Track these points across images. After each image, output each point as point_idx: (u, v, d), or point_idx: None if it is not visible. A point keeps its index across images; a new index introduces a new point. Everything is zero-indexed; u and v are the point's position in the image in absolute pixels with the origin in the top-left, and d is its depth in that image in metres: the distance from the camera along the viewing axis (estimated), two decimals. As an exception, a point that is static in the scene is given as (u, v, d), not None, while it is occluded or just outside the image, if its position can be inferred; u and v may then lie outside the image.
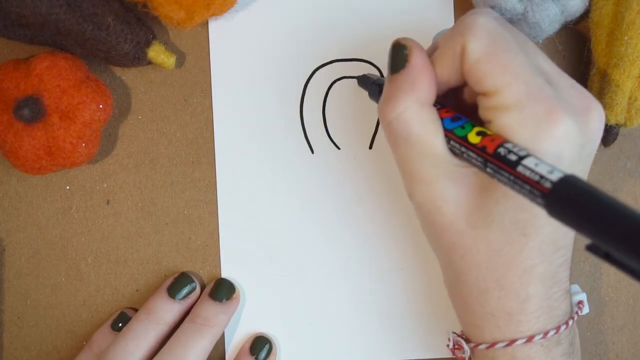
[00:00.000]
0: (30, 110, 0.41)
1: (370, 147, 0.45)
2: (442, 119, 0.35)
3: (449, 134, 0.34)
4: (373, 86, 0.40)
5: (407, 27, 0.45)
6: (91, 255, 0.46)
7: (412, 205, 0.37)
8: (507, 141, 0.32)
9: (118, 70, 0.46)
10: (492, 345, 0.36)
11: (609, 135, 0.43)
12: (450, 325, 0.45)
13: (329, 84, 0.45)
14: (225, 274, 0.46)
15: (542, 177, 0.28)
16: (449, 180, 0.34)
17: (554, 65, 0.35)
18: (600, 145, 0.44)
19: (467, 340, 0.38)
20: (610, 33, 0.41)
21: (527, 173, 0.29)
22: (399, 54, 0.36)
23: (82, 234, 0.46)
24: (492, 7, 0.40)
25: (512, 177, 0.30)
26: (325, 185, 0.45)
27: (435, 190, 0.35)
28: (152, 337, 0.43)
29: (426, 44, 0.44)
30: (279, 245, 0.46)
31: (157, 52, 0.43)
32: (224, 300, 0.44)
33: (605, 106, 0.41)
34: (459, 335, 0.39)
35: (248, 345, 0.45)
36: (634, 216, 0.25)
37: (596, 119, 0.34)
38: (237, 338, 0.46)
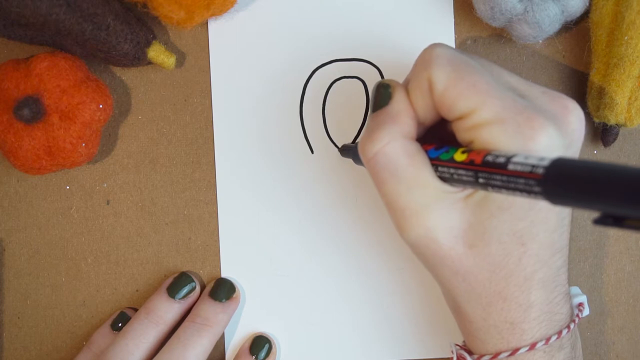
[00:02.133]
0: (30, 110, 0.41)
1: (370, 147, 0.45)
2: (425, 150, 0.35)
3: (435, 162, 0.34)
4: (357, 151, 0.39)
5: (407, 27, 0.45)
6: (91, 255, 0.46)
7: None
8: (492, 150, 0.32)
9: (118, 70, 0.46)
10: (496, 356, 0.36)
11: (609, 135, 0.43)
12: (449, 325, 0.45)
13: (329, 84, 0.45)
14: (225, 273, 0.46)
15: (533, 166, 0.28)
16: (441, 208, 0.34)
17: (520, 78, 0.35)
18: (600, 145, 0.44)
19: (470, 353, 0.38)
20: (610, 33, 0.41)
21: (519, 167, 0.29)
22: (383, 92, 0.36)
23: (82, 234, 0.46)
24: (492, 8, 0.40)
25: (504, 178, 0.30)
26: (325, 185, 0.45)
27: (429, 220, 0.34)
28: (152, 336, 0.43)
29: (426, 44, 0.44)
30: (278, 245, 0.46)
31: (157, 52, 0.43)
32: (223, 300, 0.44)
33: (605, 106, 0.41)
34: (461, 348, 0.39)
35: (248, 345, 0.45)
36: (632, 170, 0.25)
37: (575, 119, 0.34)
38: (237, 338, 0.46)
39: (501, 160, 0.30)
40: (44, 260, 0.46)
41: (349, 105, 0.45)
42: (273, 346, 0.45)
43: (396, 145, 0.34)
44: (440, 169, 0.34)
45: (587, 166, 0.26)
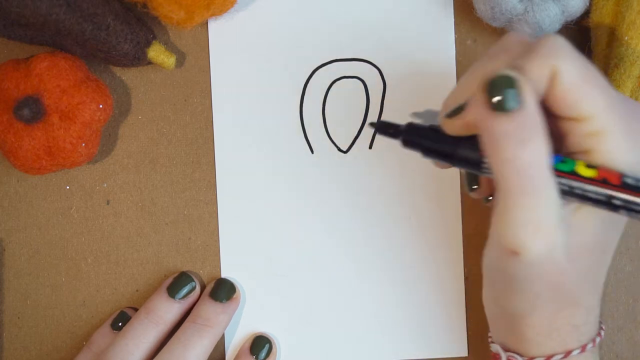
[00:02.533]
0: (30, 110, 0.41)
1: (370, 147, 0.45)
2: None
3: (558, 173, 0.32)
4: (429, 133, 0.34)
5: (407, 27, 0.45)
6: (91, 255, 0.46)
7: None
8: (614, 165, 0.31)
9: (118, 70, 0.46)
10: (549, 358, 0.35)
11: (609, 135, 0.43)
12: (449, 326, 0.45)
13: (329, 83, 0.45)
14: (225, 274, 0.46)
15: None
16: (560, 224, 0.32)
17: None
18: (600, 145, 0.44)
19: (520, 355, 0.37)
20: (610, 33, 0.41)
21: None
22: (511, 94, 0.30)
23: (82, 234, 0.46)
24: (492, 8, 0.40)
25: None
26: (325, 185, 0.45)
27: (552, 236, 0.31)
28: (152, 336, 0.43)
29: (426, 44, 0.44)
30: (279, 245, 0.46)
31: (157, 52, 0.43)
32: (224, 301, 0.44)
33: (605, 106, 0.41)
34: (507, 350, 0.37)
35: (248, 345, 0.45)
36: None
37: None
38: (237, 338, 0.46)
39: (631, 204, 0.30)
40: (44, 260, 0.46)
41: (349, 105, 0.45)
42: (273, 346, 0.45)
43: (542, 156, 0.31)
44: (561, 180, 0.32)
45: None
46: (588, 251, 0.33)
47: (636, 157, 0.31)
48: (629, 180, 0.30)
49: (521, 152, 0.30)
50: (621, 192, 0.30)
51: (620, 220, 0.34)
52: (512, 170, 0.30)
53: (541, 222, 0.31)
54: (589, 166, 0.31)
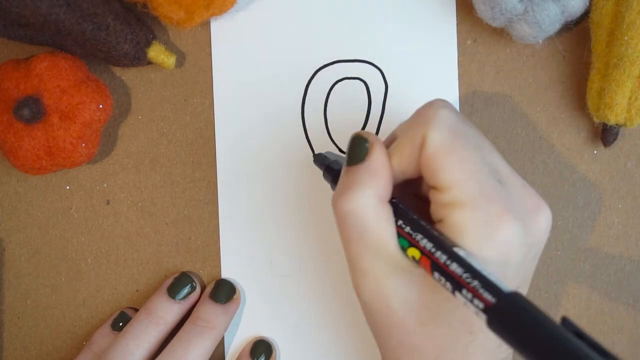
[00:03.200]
0: (30, 110, 0.41)
1: (371, 148, 0.45)
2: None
3: (400, 232, 0.34)
4: (328, 168, 0.40)
5: (409, 28, 0.45)
6: (91, 255, 0.46)
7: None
8: (454, 243, 0.32)
9: (118, 70, 0.46)
10: None
11: (609, 135, 0.43)
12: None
13: (331, 84, 0.45)
14: (225, 274, 0.46)
15: (481, 300, 0.29)
16: (401, 278, 0.34)
17: (507, 164, 0.35)
18: (600, 145, 0.44)
19: None
20: (610, 33, 0.41)
21: (467, 297, 0.30)
22: (360, 147, 0.35)
23: (82, 234, 0.46)
24: (492, 8, 0.40)
25: (454, 289, 0.31)
26: (326, 185, 0.45)
27: (387, 287, 0.34)
28: (152, 337, 0.43)
29: (428, 45, 0.44)
30: (279, 246, 0.46)
31: (157, 52, 0.43)
32: (224, 302, 0.44)
33: (605, 106, 0.41)
34: None
35: (248, 349, 0.45)
36: (571, 345, 0.26)
37: (543, 220, 0.34)
38: (237, 339, 0.46)
39: (447, 288, 0.31)
40: (44, 260, 0.46)
41: (351, 106, 0.45)
42: (273, 351, 0.45)
43: (369, 207, 0.34)
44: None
45: (534, 319, 0.27)
46: (440, 320, 0.33)
47: (480, 234, 0.32)
48: (435, 275, 0.31)
49: (342, 201, 0.34)
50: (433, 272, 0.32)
51: None
52: (336, 217, 0.35)
53: (366, 269, 0.34)
54: (416, 251, 0.33)
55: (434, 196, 0.34)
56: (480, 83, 0.45)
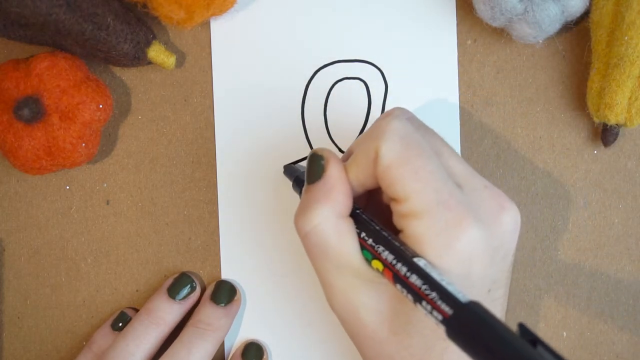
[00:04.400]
0: (30, 110, 0.41)
1: (371, 148, 0.45)
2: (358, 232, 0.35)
3: (363, 244, 0.35)
4: (297, 179, 0.41)
5: (409, 28, 0.45)
6: (91, 255, 0.46)
7: None
8: (415, 257, 0.32)
9: (118, 70, 0.46)
10: None
11: (609, 135, 0.43)
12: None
13: (331, 84, 0.45)
14: (225, 274, 0.46)
15: (439, 309, 0.29)
16: (368, 290, 0.34)
17: (467, 166, 0.35)
18: (600, 145, 0.44)
19: None
20: (610, 33, 0.41)
21: (428, 307, 0.30)
22: (316, 164, 0.35)
23: (82, 234, 0.46)
24: (492, 7, 0.40)
25: (415, 298, 0.31)
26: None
27: (356, 300, 0.34)
28: (152, 337, 0.43)
29: (428, 45, 0.44)
30: (279, 246, 0.46)
31: (157, 52, 0.43)
32: (225, 303, 0.44)
33: (605, 106, 0.41)
34: None
35: (239, 352, 0.45)
36: (526, 352, 0.26)
37: (509, 219, 0.34)
38: (237, 340, 0.46)
39: (409, 298, 0.31)
40: (44, 260, 0.46)
41: (351, 106, 0.45)
42: (265, 353, 0.45)
43: (328, 225, 0.34)
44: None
45: (492, 330, 0.27)
46: (412, 329, 0.33)
47: (440, 243, 0.32)
48: (398, 287, 0.32)
49: (302, 221, 0.34)
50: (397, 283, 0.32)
51: None
52: (299, 236, 0.35)
53: (333, 284, 0.34)
54: (379, 262, 0.33)
55: (393, 207, 0.34)
56: (480, 83, 0.45)
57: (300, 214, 0.35)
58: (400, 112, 0.36)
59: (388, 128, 0.34)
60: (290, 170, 0.42)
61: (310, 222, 0.34)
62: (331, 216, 0.34)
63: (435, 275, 0.31)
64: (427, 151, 0.34)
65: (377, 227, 0.34)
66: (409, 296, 0.31)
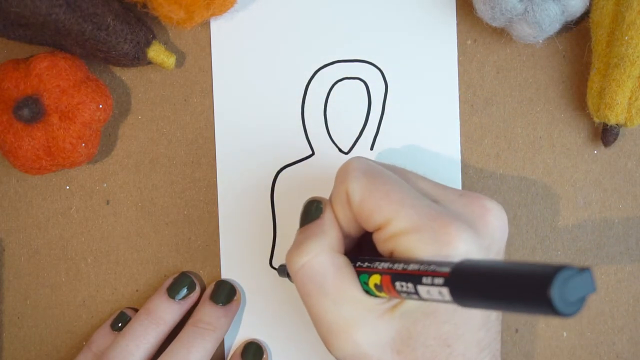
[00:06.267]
0: (30, 110, 0.41)
1: (372, 149, 0.45)
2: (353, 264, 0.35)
3: (358, 269, 0.35)
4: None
5: (410, 28, 0.45)
6: (91, 255, 0.46)
7: None
8: (409, 260, 0.32)
9: (118, 70, 0.46)
10: None
11: (609, 135, 0.43)
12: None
13: (331, 84, 0.45)
14: (225, 274, 0.46)
15: (435, 277, 0.29)
16: (369, 323, 0.34)
17: (436, 183, 0.36)
18: (600, 145, 0.44)
19: None
20: (610, 33, 0.41)
21: (429, 280, 0.30)
22: (314, 208, 0.37)
23: (82, 234, 0.46)
24: (492, 7, 0.40)
25: (415, 288, 0.31)
26: (326, 186, 0.45)
27: (357, 336, 0.34)
28: (152, 337, 0.43)
29: (428, 45, 0.44)
30: (279, 246, 0.46)
31: (157, 52, 0.43)
32: (224, 303, 0.44)
33: (605, 106, 0.41)
34: None
35: (239, 351, 0.45)
36: (525, 268, 0.25)
37: (494, 218, 0.34)
38: (237, 340, 0.46)
39: (410, 290, 0.31)
40: (44, 260, 0.46)
41: (351, 106, 0.45)
42: (265, 352, 0.45)
43: (323, 257, 0.34)
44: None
45: (487, 267, 0.27)
46: (415, 343, 0.34)
47: (431, 250, 0.32)
48: (397, 286, 0.32)
49: (297, 255, 0.35)
50: (396, 288, 0.32)
51: (458, 313, 0.34)
52: (292, 275, 0.35)
53: (333, 323, 0.34)
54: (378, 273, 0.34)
55: (378, 237, 0.34)
56: (480, 83, 0.45)
57: (294, 251, 0.35)
58: (357, 157, 0.37)
59: (350, 168, 0.35)
60: (284, 269, 0.42)
61: (306, 255, 0.34)
62: (327, 249, 0.35)
63: (428, 259, 0.31)
64: (393, 177, 0.34)
65: (369, 257, 0.35)
66: (409, 285, 0.31)
